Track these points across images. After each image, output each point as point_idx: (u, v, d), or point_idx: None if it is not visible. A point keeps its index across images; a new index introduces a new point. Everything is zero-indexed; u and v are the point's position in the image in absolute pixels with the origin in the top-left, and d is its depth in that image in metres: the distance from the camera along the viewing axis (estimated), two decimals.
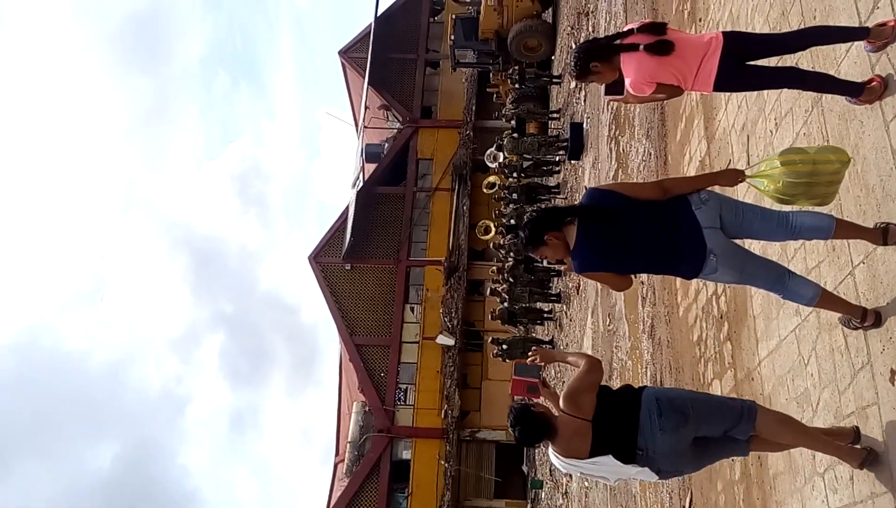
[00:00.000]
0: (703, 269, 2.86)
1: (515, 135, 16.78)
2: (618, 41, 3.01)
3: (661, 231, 2.86)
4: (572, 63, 3.11)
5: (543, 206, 16.32)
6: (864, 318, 2.94)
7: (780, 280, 2.92)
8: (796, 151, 2.96)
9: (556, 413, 3.05)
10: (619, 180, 9.62)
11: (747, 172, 3.01)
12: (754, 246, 3.33)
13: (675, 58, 2.88)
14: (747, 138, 4.66)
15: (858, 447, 2.95)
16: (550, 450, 3.09)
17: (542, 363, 3.32)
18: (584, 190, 3.08)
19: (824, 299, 2.94)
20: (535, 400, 3.17)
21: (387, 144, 27.41)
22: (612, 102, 10.77)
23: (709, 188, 2.97)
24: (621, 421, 2.92)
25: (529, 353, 3.38)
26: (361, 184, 25.72)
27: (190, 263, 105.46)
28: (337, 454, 25.03)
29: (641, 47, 2.90)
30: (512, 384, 3.30)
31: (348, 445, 23.08)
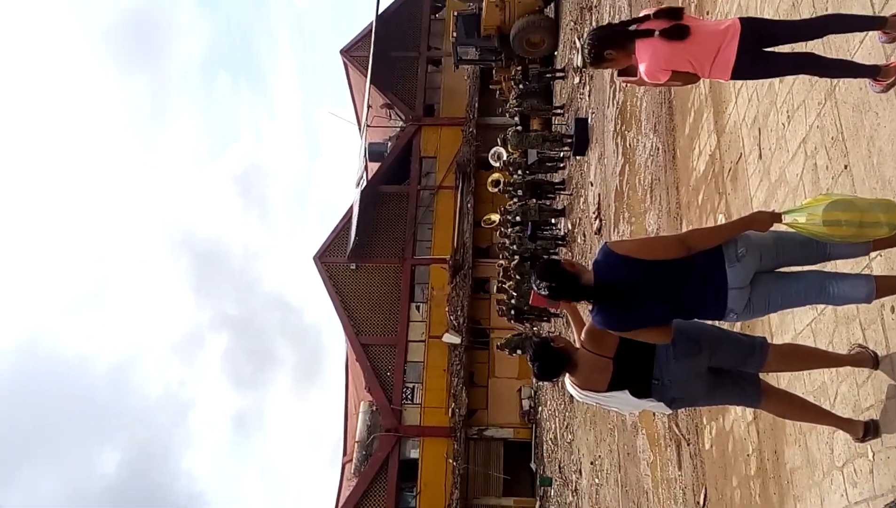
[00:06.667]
0: (722, 318, 2.81)
1: (519, 128, 16.75)
2: (633, 27, 2.94)
3: (684, 292, 2.70)
4: (586, 50, 3.01)
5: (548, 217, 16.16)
6: None
7: (821, 293, 2.74)
8: (843, 204, 2.60)
9: (577, 347, 3.09)
10: (625, 193, 9.58)
11: (785, 219, 2.71)
12: None
13: (692, 44, 2.81)
14: (759, 132, 4.63)
15: (861, 420, 3.04)
16: (567, 379, 3.15)
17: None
18: (600, 247, 2.87)
19: (882, 287, 2.73)
20: (554, 310, 3.22)
21: (390, 143, 27.39)
22: (619, 92, 10.73)
23: (746, 233, 2.72)
24: (639, 355, 2.97)
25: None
26: (365, 183, 25.71)
27: (191, 264, 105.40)
28: (345, 454, 25.04)
29: (657, 32, 2.83)
30: (533, 294, 3.35)
31: (356, 445, 23.09)
